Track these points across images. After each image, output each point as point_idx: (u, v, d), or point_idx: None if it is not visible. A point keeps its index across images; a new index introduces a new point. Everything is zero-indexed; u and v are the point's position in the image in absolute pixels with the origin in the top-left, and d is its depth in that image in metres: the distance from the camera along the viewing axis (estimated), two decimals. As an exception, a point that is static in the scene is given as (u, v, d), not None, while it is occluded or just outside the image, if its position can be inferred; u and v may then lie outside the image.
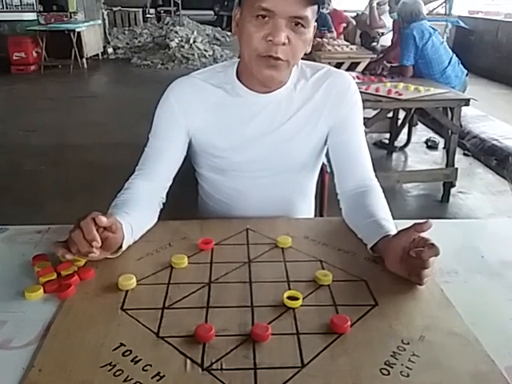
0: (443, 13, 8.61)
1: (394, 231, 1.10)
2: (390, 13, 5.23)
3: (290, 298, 0.95)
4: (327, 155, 1.41)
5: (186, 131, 1.31)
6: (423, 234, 1.00)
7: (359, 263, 1.10)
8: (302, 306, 0.94)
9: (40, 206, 3.57)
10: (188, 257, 1.10)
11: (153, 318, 0.91)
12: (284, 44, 1.12)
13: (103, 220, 0.98)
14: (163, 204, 1.32)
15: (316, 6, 1.15)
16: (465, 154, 4.29)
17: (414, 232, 1.00)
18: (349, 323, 0.88)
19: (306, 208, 1.52)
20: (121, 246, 1.08)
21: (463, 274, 1.08)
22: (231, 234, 1.22)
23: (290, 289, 1.00)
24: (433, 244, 0.95)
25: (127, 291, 0.99)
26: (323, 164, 1.49)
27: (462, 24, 6.57)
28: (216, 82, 1.31)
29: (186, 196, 1.53)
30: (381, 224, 1.14)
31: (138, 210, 1.19)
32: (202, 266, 1.08)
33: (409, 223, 1.21)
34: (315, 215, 1.61)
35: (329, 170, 1.43)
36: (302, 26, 1.13)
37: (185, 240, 1.19)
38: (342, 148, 1.34)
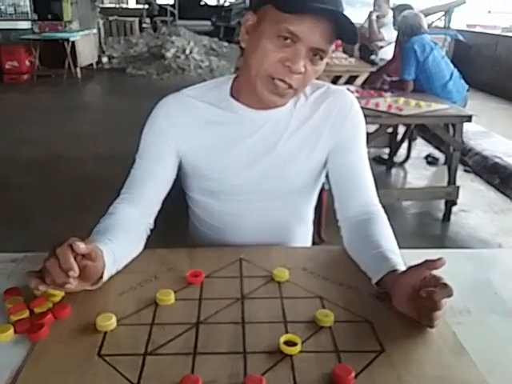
0: (442, 26, 8.58)
1: (401, 265, 1.02)
2: (394, 25, 5.16)
3: (288, 342, 0.85)
4: (327, 176, 1.32)
5: (176, 152, 1.22)
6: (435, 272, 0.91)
7: (363, 301, 1.01)
8: (300, 352, 0.84)
9: (26, 222, 3.45)
10: (175, 292, 1.00)
11: (133, 366, 0.81)
12: (300, 73, 1.04)
13: (81, 247, 0.89)
14: (151, 230, 1.23)
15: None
16: (465, 171, 4.21)
17: (425, 269, 0.91)
18: (353, 374, 0.78)
19: (304, 234, 1.43)
20: (101, 277, 0.98)
21: (476, 313, 0.99)
22: (223, 265, 1.13)
23: (287, 331, 0.90)
24: (445, 284, 0.86)
25: (106, 333, 0.89)
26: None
27: (460, 37, 6.52)
28: (209, 99, 1.22)
29: (175, 221, 1.44)
30: (386, 256, 1.05)
31: (123, 236, 1.10)
32: (189, 302, 0.99)
33: (415, 253, 1.13)
34: (313, 235, 1.51)
35: (327, 187, 1.34)
36: (320, 57, 1.06)
37: (172, 271, 1.10)
38: (343, 171, 1.25)
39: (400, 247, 1.13)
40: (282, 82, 1.06)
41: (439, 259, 0.89)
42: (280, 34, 1.02)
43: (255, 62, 1.07)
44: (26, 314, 0.92)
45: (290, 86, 1.07)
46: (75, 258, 0.89)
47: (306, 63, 1.05)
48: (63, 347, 0.85)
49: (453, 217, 3.73)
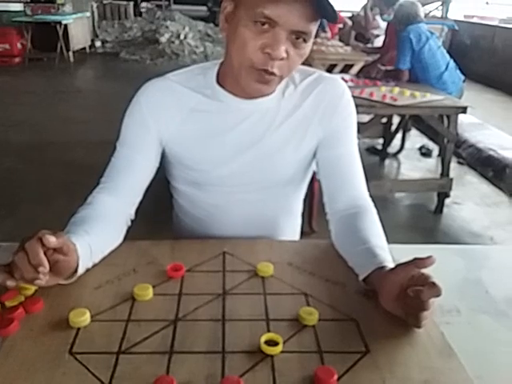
0: (439, 16, 8.53)
1: (389, 261, 0.98)
2: (381, 15, 5.13)
3: (269, 342, 0.82)
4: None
5: (159, 140, 1.17)
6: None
7: (349, 298, 0.97)
8: (281, 352, 0.80)
9: (14, 208, 3.39)
10: (153, 286, 0.96)
11: (105, 366, 0.77)
12: (282, 59, 0.98)
13: (51, 240, 0.84)
14: (132, 221, 1.18)
15: (319, 20, 1.01)
16: (459, 163, 4.18)
17: (413, 267, 0.87)
18: (335, 377, 0.74)
19: (292, 226, 1.39)
20: (76, 271, 0.94)
21: (466, 313, 0.96)
22: (205, 259, 1.09)
23: (269, 329, 0.86)
24: (434, 283, 0.82)
25: (79, 329, 0.85)
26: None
27: (457, 28, 6.48)
28: (194, 85, 1.16)
29: (159, 212, 1.39)
30: (374, 252, 1.01)
31: (101, 228, 1.05)
32: (168, 298, 0.95)
33: (405, 248, 1.09)
34: (304, 225, 1.47)
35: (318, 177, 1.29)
36: (304, 40, 0.99)
37: (152, 265, 1.05)
38: (332, 164, 1.21)
39: (391, 239, 1.10)
40: (264, 72, 1.00)
41: (428, 257, 0.85)
42: (256, 20, 0.96)
43: (236, 52, 1.01)
44: (-3, 307, 0.89)
45: (274, 74, 1.01)
46: (45, 253, 0.84)
47: (288, 47, 0.98)
48: (33, 344, 0.81)
49: (445, 209, 3.71)
